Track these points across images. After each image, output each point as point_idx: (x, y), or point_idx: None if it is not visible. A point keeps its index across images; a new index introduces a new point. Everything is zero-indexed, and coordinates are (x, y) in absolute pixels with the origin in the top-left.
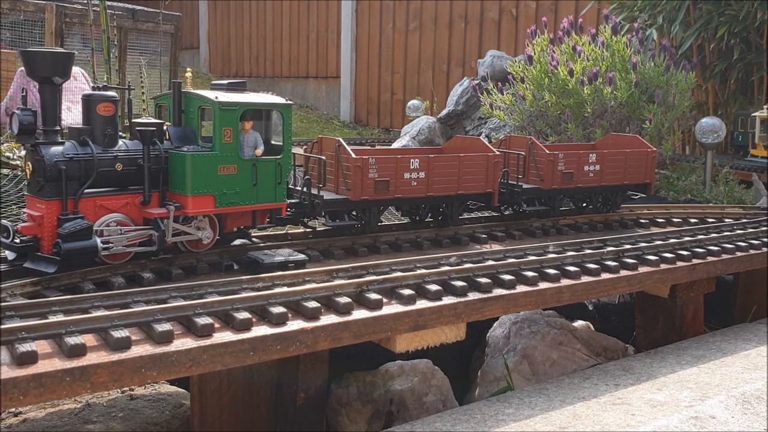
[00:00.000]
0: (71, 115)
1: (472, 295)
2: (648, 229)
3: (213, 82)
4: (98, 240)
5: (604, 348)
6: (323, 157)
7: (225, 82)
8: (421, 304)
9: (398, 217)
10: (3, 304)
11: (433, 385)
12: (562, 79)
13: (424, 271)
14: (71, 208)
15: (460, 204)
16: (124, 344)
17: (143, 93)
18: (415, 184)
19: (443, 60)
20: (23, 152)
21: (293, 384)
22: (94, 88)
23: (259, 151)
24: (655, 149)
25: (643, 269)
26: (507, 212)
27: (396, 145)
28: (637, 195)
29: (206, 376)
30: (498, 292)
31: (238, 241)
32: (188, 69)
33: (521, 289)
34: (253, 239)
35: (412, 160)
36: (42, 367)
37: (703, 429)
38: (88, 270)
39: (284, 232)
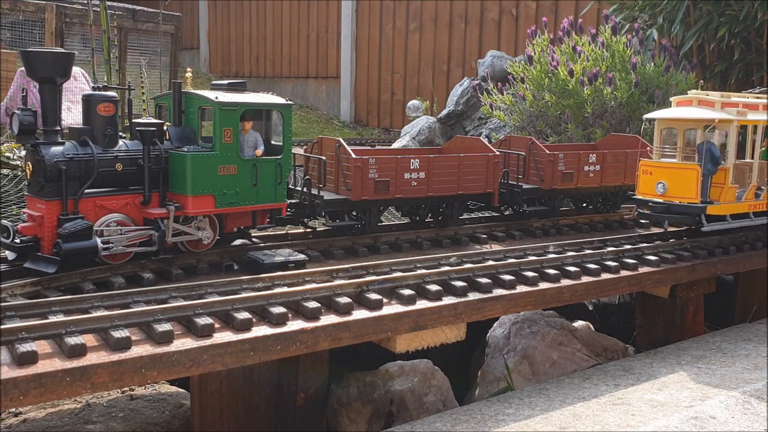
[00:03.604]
0: (71, 115)
1: (472, 295)
2: (648, 229)
3: (213, 82)
4: (98, 240)
5: (604, 348)
6: (323, 158)
7: (225, 82)
8: (422, 304)
9: (398, 217)
10: (3, 304)
11: (433, 386)
12: (562, 79)
13: (424, 271)
14: (71, 208)
15: (461, 204)
16: (125, 344)
17: (143, 93)
18: (415, 184)
19: (443, 60)
20: (23, 152)
21: (293, 384)
22: (94, 89)
23: (260, 151)
24: None
25: (643, 269)
26: (507, 212)
27: (396, 145)
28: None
29: (206, 377)
30: (498, 292)
31: (238, 241)
32: (188, 69)
33: (521, 289)
34: (253, 239)
35: (412, 160)
36: (42, 367)
37: (703, 429)
38: (88, 270)
39: (284, 232)
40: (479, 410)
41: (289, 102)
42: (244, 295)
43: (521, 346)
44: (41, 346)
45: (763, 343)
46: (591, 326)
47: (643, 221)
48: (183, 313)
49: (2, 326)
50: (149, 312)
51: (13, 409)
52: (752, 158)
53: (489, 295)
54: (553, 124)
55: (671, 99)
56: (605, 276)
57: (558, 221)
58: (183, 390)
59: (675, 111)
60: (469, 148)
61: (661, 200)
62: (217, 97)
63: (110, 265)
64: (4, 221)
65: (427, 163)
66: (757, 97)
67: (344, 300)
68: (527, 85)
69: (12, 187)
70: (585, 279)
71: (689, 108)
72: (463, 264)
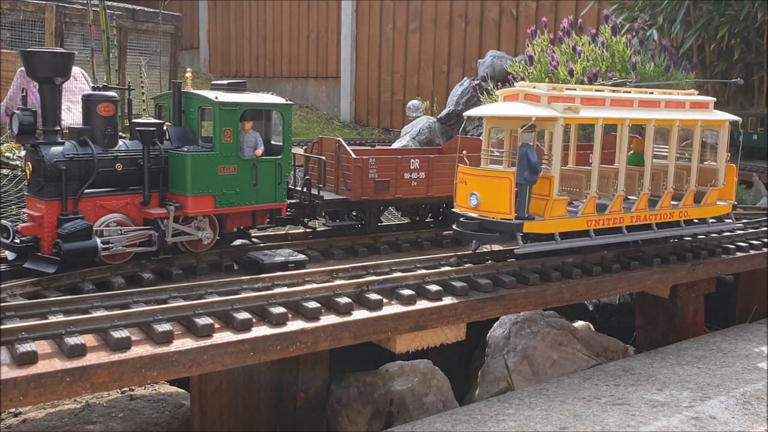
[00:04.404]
0: (71, 115)
1: (473, 296)
2: None
3: (213, 82)
4: (98, 240)
5: (605, 348)
6: (323, 157)
7: (225, 82)
8: (422, 304)
9: (398, 217)
10: (3, 304)
11: (433, 386)
12: (562, 79)
13: (424, 271)
14: (71, 209)
15: None
16: (124, 344)
17: (143, 93)
18: (416, 184)
19: (443, 60)
20: (23, 152)
21: (293, 384)
22: (94, 89)
23: (259, 151)
24: None
25: (643, 270)
26: None
27: (396, 145)
28: None
29: (206, 377)
30: (498, 292)
31: (238, 242)
32: (188, 69)
33: (521, 289)
34: (253, 239)
35: (412, 160)
36: (42, 367)
37: (703, 429)
38: (88, 270)
39: (284, 232)
40: (479, 410)
41: (289, 102)
42: (244, 295)
43: (521, 346)
44: (41, 347)
45: (763, 343)
46: (591, 326)
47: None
48: (183, 313)
49: (2, 326)
50: (149, 312)
51: (13, 410)
52: (589, 163)
53: (489, 295)
54: None
55: (497, 92)
56: (605, 276)
57: None
58: (183, 390)
59: (494, 107)
60: (470, 148)
61: (474, 215)
62: (216, 97)
63: (110, 265)
64: (4, 221)
65: (427, 163)
66: (613, 91)
67: (344, 300)
68: None
69: (12, 187)
70: (585, 279)
71: (511, 104)
72: (463, 264)
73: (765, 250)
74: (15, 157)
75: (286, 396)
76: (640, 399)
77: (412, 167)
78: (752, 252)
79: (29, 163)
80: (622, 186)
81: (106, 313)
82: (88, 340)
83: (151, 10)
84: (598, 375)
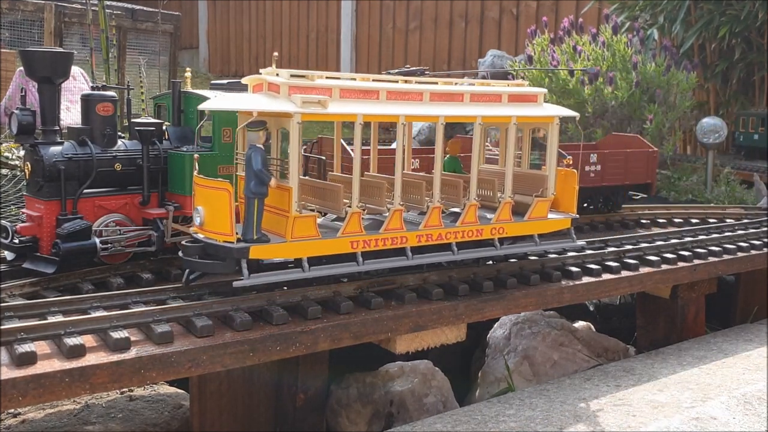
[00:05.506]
0: (70, 115)
1: (473, 296)
2: (649, 230)
3: (212, 81)
4: (97, 240)
5: (605, 349)
6: (323, 157)
7: (224, 81)
8: (422, 304)
9: None
10: (2, 304)
11: (433, 386)
12: (562, 78)
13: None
14: (70, 209)
15: None
16: (124, 345)
17: (142, 93)
18: None
19: (443, 60)
20: (22, 152)
21: (293, 385)
22: (93, 88)
23: None
24: (656, 149)
25: (644, 270)
26: None
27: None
28: (638, 195)
29: (206, 377)
30: (499, 292)
31: None
32: (187, 69)
33: (522, 289)
34: None
35: (412, 160)
36: (41, 367)
37: (704, 430)
38: (87, 270)
39: None
40: (480, 411)
41: None
42: (243, 295)
43: (522, 346)
44: (40, 347)
45: (764, 343)
46: (592, 327)
47: (644, 221)
48: (182, 313)
49: (1, 327)
50: (148, 313)
51: (12, 410)
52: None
53: (489, 295)
54: None
55: (244, 80)
56: (606, 276)
57: None
58: (182, 391)
59: (226, 99)
60: (469, 147)
61: (200, 236)
62: (216, 97)
63: (109, 265)
64: (3, 221)
65: (428, 163)
66: (406, 81)
67: (344, 301)
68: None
69: (11, 187)
70: (586, 279)
71: (248, 96)
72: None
73: (765, 250)
74: (14, 156)
75: (285, 396)
76: (641, 399)
77: (412, 167)
78: (753, 252)
79: (28, 163)
80: (399, 199)
81: (105, 313)
82: (87, 340)
83: (151, 9)
84: (599, 375)
